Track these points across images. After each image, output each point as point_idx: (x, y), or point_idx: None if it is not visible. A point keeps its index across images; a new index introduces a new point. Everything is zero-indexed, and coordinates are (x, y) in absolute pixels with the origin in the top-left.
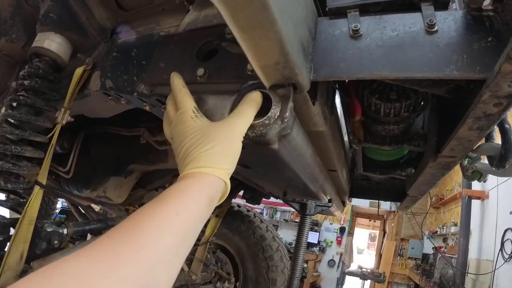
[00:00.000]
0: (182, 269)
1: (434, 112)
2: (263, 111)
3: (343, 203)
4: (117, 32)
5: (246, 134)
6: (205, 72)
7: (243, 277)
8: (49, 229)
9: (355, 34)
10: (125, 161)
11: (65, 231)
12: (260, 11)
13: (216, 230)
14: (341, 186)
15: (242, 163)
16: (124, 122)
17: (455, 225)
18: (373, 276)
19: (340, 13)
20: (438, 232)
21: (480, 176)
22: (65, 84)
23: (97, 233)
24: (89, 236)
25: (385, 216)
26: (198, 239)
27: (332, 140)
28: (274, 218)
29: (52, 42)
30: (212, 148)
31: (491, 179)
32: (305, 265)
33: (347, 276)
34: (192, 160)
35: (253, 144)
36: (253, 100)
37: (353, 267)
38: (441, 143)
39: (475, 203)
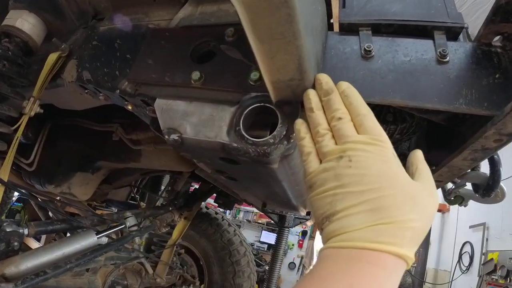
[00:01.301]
0: (146, 272)
1: (423, 136)
2: (261, 125)
3: None
4: (100, 19)
5: (247, 152)
6: (201, 76)
7: (208, 281)
8: (8, 229)
9: (367, 55)
10: (93, 157)
11: (25, 231)
12: (285, 22)
13: (183, 233)
14: None
15: (229, 175)
16: (96, 116)
17: None
18: None
19: (351, 30)
20: None
21: (462, 200)
22: (35, 69)
23: (60, 233)
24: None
25: None
26: (165, 241)
27: None
28: (237, 218)
29: (25, 22)
30: (416, 222)
31: None
32: (267, 268)
33: None
34: (388, 232)
35: (251, 162)
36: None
37: None
38: (432, 165)
39: (436, 215)
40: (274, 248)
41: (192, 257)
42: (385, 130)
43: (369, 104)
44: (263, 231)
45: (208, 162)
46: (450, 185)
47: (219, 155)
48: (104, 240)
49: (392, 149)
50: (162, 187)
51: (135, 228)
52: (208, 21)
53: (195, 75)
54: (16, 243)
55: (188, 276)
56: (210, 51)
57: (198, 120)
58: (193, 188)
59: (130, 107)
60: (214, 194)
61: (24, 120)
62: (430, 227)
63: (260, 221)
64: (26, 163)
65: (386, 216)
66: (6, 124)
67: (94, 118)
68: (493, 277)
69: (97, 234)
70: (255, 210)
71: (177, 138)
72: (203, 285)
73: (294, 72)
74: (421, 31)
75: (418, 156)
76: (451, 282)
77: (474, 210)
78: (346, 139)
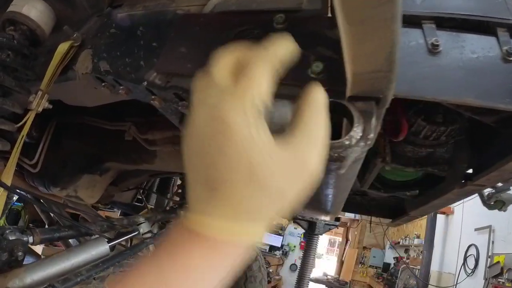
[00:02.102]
0: None
1: (465, 139)
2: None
3: None
4: (116, 6)
5: None
6: None
7: None
8: (11, 237)
9: (435, 49)
10: (101, 158)
11: (30, 239)
12: (385, 1)
13: None
14: None
15: None
16: (107, 114)
17: (418, 237)
18: (339, 284)
19: (412, 22)
20: (401, 243)
21: (503, 205)
22: (42, 62)
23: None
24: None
25: (348, 224)
26: None
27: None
28: None
29: (32, 8)
30: (255, 200)
31: None
32: (270, 270)
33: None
34: (229, 204)
35: None
36: (322, 107)
37: (316, 273)
38: (474, 171)
39: (440, 218)
40: (303, 257)
41: None
42: (433, 131)
43: (418, 102)
44: None
45: None
46: (488, 190)
47: None
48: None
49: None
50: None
51: (148, 234)
52: (249, 6)
53: None
54: (20, 253)
55: None
56: (255, 39)
57: None
58: None
59: (157, 103)
60: None
61: (30, 117)
62: (434, 229)
63: None
64: (30, 164)
65: (219, 193)
66: (10, 121)
67: (104, 116)
68: (499, 280)
69: (108, 242)
70: None
71: None
72: None
73: (382, 62)
74: (483, 27)
75: (313, 100)
76: (456, 285)
77: (479, 212)
78: None
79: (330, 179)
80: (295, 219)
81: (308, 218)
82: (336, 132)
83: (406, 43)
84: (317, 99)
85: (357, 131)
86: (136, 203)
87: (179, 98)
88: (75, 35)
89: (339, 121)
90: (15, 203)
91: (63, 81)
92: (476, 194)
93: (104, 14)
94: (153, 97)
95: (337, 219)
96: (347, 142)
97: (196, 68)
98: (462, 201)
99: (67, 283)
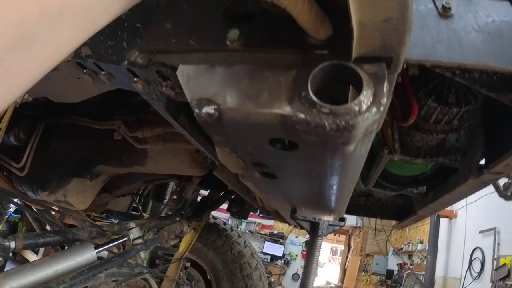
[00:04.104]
0: None
1: (480, 124)
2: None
3: None
4: None
5: (320, 126)
6: (241, 36)
7: None
8: None
9: (446, 13)
10: (92, 161)
11: (12, 244)
12: None
13: (191, 246)
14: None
15: (269, 171)
16: (95, 113)
17: (421, 242)
18: None
19: None
20: (404, 249)
21: None
22: None
23: (53, 246)
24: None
25: (350, 231)
26: (171, 255)
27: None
28: (239, 229)
29: None
30: None
31: None
32: (272, 280)
33: None
34: None
35: (319, 143)
36: None
37: (319, 282)
38: (489, 158)
39: (443, 222)
40: (306, 261)
41: (199, 271)
42: (445, 113)
43: (416, 79)
44: (265, 242)
45: (249, 149)
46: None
47: (272, 135)
48: (104, 254)
49: None
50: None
51: (139, 240)
52: None
53: (233, 33)
54: (0, 258)
55: None
56: (248, 11)
57: (244, 86)
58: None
59: (140, 86)
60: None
61: (9, 109)
62: (438, 234)
63: (262, 232)
64: (17, 167)
65: None
66: None
67: (93, 115)
68: (507, 282)
69: (96, 248)
70: (257, 220)
71: (213, 111)
72: None
73: (394, 7)
74: None
75: None
76: None
77: (483, 215)
78: None
79: (337, 161)
80: (296, 219)
81: (310, 219)
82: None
83: (415, 8)
84: None
85: (367, 95)
86: (132, 212)
87: (162, 77)
88: None
89: (345, 90)
90: (12, 214)
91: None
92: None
93: None
94: (135, 79)
95: (342, 219)
96: (356, 108)
97: (182, 44)
98: (465, 203)
99: None
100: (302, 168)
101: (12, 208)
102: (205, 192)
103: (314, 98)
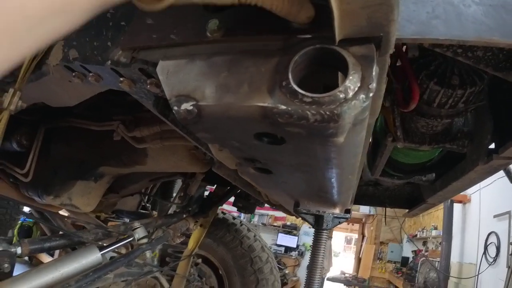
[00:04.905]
0: (162, 286)
1: (487, 107)
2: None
3: None
4: None
5: (303, 118)
6: (221, 26)
7: None
8: None
9: None
10: (93, 163)
11: (18, 250)
12: None
13: (200, 242)
14: (353, 194)
15: (262, 166)
16: (94, 115)
17: (435, 228)
18: (357, 282)
19: None
20: (418, 236)
21: None
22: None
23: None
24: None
25: (363, 220)
26: (180, 252)
27: (369, 137)
28: (252, 222)
29: None
30: None
31: None
32: (286, 271)
33: (326, 281)
34: None
35: (306, 135)
36: None
37: (334, 272)
38: (498, 143)
39: (457, 207)
40: (311, 256)
41: (211, 267)
42: (449, 96)
43: (416, 61)
44: (279, 233)
45: (237, 145)
46: None
47: (256, 129)
48: (110, 255)
49: None
50: (175, 194)
51: (145, 240)
52: None
53: (213, 23)
54: (6, 265)
55: None
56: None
57: (223, 78)
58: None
59: (126, 86)
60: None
61: (3, 116)
62: (452, 219)
63: (275, 224)
64: (21, 173)
65: None
66: None
67: (91, 117)
68: None
69: (101, 249)
70: (270, 212)
71: (191, 108)
72: None
73: None
74: None
75: None
76: (478, 275)
77: (497, 199)
78: None
79: (329, 153)
80: (299, 213)
81: (314, 212)
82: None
83: None
84: None
85: (353, 80)
86: (142, 211)
87: (146, 75)
88: None
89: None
90: (26, 219)
91: (39, 77)
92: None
93: None
94: (121, 79)
95: (347, 211)
96: (341, 95)
97: (163, 39)
98: (478, 187)
99: None
100: (294, 162)
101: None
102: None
103: (295, 87)
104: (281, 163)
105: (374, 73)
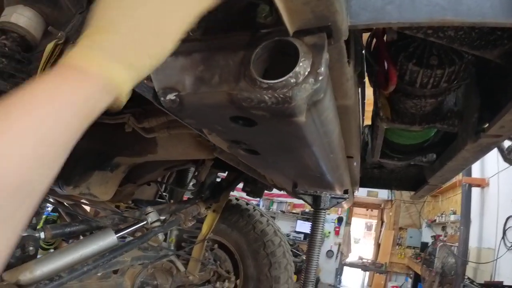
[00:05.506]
0: (178, 270)
1: (473, 85)
2: (280, 71)
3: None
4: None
5: (262, 101)
6: (200, 26)
7: (243, 276)
8: (23, 234)
9: None
10: (109, 154)
11: (42, 235)
12: None
13: (213, 227)
14: (354, 176)
15: (249, 148)
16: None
17: (454, 213)
18: (375, 267)
19: None
20: (437, 221)
21: None
22: (37, 66)
23: (79, 235)
24: None
25: (382, 206)
26: (194, 237)
27: (356, 119)
28: (271, 209)
29: (21, 16)
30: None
31: (492, 166)
32: (304, 257)
33: (345, 267)
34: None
35: (270, 117)
36: None
37: (352, 258)
38: (485, 121)
39: (475, 191)
40: (310, 234)
41: (226, 252)
42: (429, 76)
43: (393, 43)
44: (297, 220)
45: (220, 129)
46: (508, 143)
47: (229, 114)
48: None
49: None
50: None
51: (157, 223)
52: None
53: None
54: (31, 248)
55: (223, 271)
56: None
57: (199, 72)
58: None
59: None
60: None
61: None
62: (470, 203)
63: (294, 211)
64: None
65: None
66: None
67: (105, 111)
68: None
69: (116, 232)
70: (288, 200)
71: (174, 97)
72: (238, 279)
73: None
74: None
75: None
76: (496, 260)
77: None
78: None
79: (297, 132)
80: (297, 194)
81: (312, 192)
82: None
83: None
84: None
85: (303, 66)
86: (159, 199)
87: None
88: (59, 34)
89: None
90: (50, 213)
91: None
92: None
93: (86, 10)
94: None
95: (346, 192)
96: (292, 80)
97: None
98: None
99: (73, 273)
100: (272, 142)
101: (50, 207)
102: None
103: (254, 75)
104: (261, 143)
105: (323, 59)
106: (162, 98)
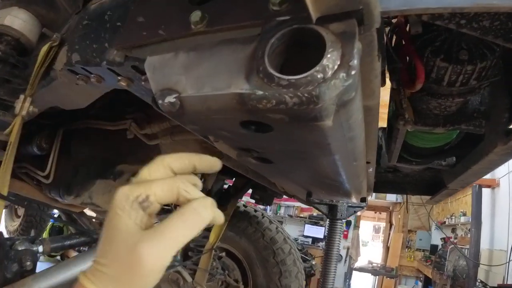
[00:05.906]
0: (185, 280)
1: (502, 83)
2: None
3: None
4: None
5: (281, 102)
6: (204, 17)
7: (252, 285)
8: (20, 248)
9: None
10: (112, 162)
11: (40, 248)
12: None
13: (221, 236)
14: (369, 181)
15: (260, 156)
16: (108, 115)
17: (464, 214)
18: (385, 271)
19: None
20: (446, 223)
21: None
22: (33, 70)
23: (80, 247)
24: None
25: (391, 208)
26: (201, 246)
27: (377, 121)
28: (278, 214)
29: (15, 19)
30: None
31: (502, 166)
32: (313, 262)
33: (354, 272)
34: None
35: (290, 121)
36: (198, 212)
37: (361, 262)
38: None
39: (485, 192)
40: (326, 246)
41: (234, 260)
42: (459, 73)
43: (434, 39)
44: (306, 225)
45: (228, 135)
46: None
47: (240, 118)
48: None
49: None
50: None
51: None
52: None
53: (196, 15)
54: (28, 263)
55: (231, 281)
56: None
57: (203, 70)
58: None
59: (124, 84)
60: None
61: (16, 122)
62: (481, 205)
63: (302, 215)
64: (43, 175)
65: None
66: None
67: (106, 117)
68: None
69: None
70: (296, 204)
71: (174, 100)
72: None
73: None
74: None
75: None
76: (509, 262)
77: None
78: None
79: (320, 138)
80: (312, 203)
81: (327, 201)
82: None
83: None
84: (194, 208)
85: (331, 58)
86: (165, 206)
87: (140, 72)
88: (54, 36)
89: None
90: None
91: (48, 83)
92: None
93: (82, 10)
94: (118, 78)
95: (363, 200)
96: (319, 75)
97: (152, 35)
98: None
99: None
100: (289, 149)
101: (56, 214)
102: None
103: (270, 70)
104: (276, 151)
105: (355, 50)
106: (160, 101)
